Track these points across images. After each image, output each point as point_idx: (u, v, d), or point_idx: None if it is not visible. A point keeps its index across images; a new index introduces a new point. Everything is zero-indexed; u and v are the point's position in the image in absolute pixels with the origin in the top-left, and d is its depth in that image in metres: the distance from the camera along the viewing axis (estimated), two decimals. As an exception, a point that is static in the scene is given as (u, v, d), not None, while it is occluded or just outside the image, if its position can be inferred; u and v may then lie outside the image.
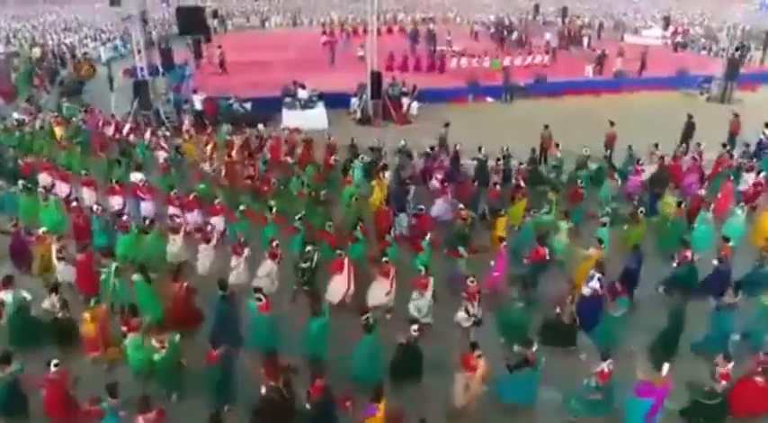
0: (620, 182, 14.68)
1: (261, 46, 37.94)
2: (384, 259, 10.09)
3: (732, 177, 14.58)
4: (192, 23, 23.20)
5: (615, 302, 9.09)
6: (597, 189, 14.75)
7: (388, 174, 14.85)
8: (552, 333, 9.36)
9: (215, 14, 46.21)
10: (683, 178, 15.23)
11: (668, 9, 47.69)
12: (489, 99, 25.99)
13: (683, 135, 18.41)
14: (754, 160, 16.15)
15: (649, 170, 15.46)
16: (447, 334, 9.71)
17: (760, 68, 31.16)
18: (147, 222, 12.03)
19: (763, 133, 17.59)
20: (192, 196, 12.91)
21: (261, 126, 19.91)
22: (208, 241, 11.19)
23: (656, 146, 16.13)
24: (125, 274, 10.03)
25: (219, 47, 30.27)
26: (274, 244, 10.59)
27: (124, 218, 11.86)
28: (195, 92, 22.74)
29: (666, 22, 41.42)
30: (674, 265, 10.64)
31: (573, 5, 48.77)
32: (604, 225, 11.65)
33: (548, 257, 10.71)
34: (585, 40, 36.73)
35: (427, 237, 11.13)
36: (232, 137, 17.74)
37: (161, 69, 23.59)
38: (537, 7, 45.54)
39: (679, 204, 12.54)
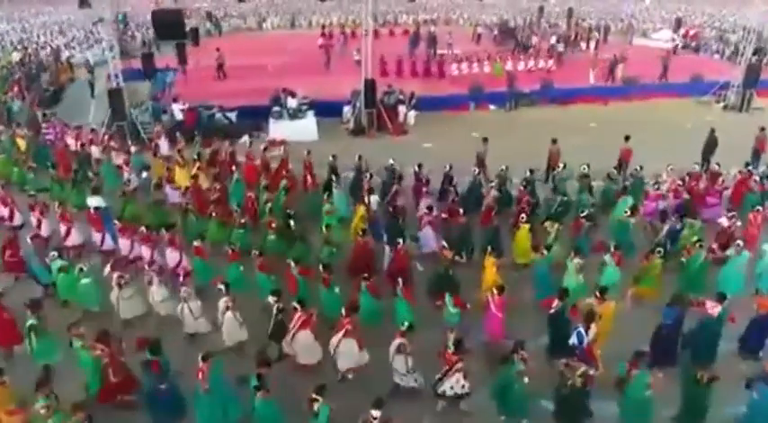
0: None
1: (256, 49, 36.36)
2: (343, 312, 8.39)
3: (759, 208, 12.37)
4: (170, 27, 21.68)
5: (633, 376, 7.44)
6: (604, 216, 13.07)
7: (374, 198, 13.22)
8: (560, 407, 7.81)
9: (209, 16, 44.88)
10: (702, 204, 13.52)
11: (677, 10, 46.04)
12: (492, 107, 24.39)
13: (704, 152, 16.48)
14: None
15: (664, 188, 13.79)
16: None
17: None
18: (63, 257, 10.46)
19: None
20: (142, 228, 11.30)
21: (246, 138, 18.43)
22: (150, 283, 9.73)
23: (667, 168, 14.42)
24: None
25: (218, 49, 28.77)
26: (219, 286, 9.09)
27: (52, 253, 10.28)
28: (176, 100, 21.25)
29: (678, 23, 39.74)
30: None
31: (578, 7, 47.05)
32: (605, 264, 10.07)
33: (557, 307, 8.83)
34: (593, 44, 35.15)
35: (400, 282, 9.40)
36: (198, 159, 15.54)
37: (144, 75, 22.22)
38: (541, 9, 43.86)
39: (700, 241, 10.76)
